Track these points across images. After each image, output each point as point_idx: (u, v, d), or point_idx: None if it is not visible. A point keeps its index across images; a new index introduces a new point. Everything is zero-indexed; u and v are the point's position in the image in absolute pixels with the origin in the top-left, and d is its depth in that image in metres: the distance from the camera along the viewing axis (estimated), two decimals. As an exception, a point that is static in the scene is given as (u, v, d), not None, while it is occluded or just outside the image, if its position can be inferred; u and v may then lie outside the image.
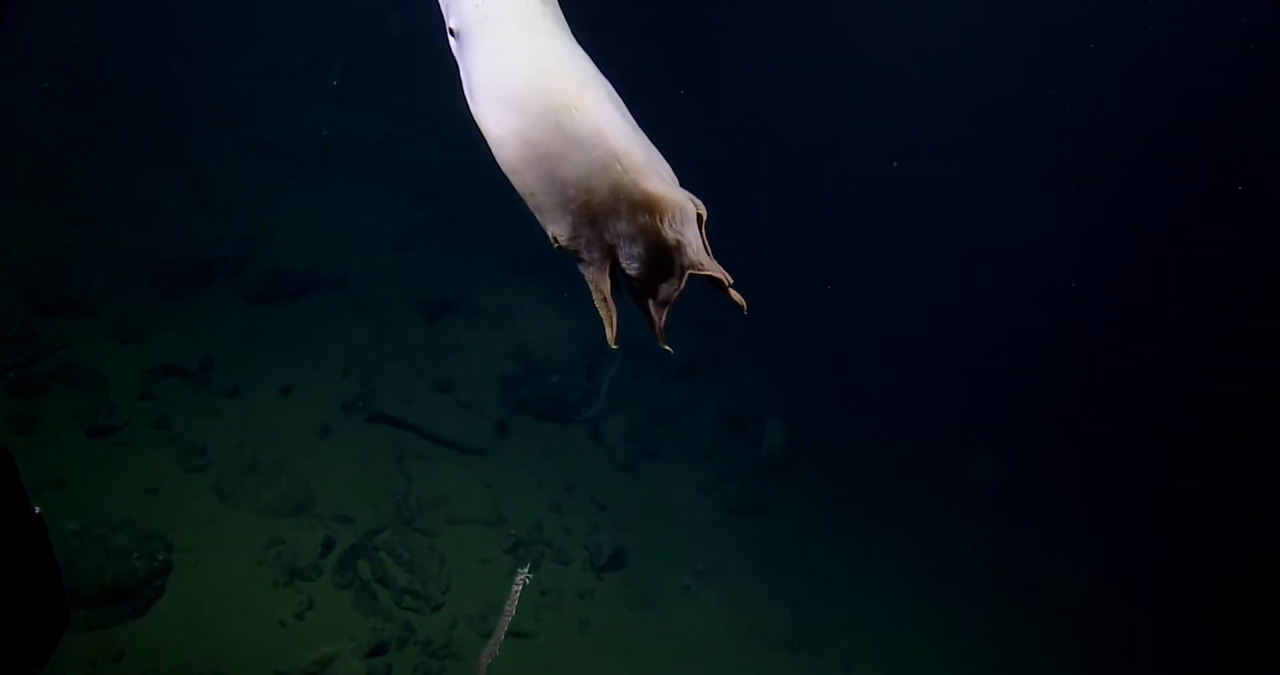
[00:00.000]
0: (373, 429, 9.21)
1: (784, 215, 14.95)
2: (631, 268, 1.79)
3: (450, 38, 2.06)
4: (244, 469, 7.82)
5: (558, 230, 1.83)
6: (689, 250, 1.73)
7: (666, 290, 1.78)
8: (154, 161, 9.78)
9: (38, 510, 1.68)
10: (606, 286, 1.86)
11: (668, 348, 1.87)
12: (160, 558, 6.59)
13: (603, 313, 1.87)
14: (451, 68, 2.11)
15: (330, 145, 10.93)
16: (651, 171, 1.75)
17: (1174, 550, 10.75)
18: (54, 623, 1.74)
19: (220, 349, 8.81)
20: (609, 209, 1.74)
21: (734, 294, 1.79)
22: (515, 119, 1.83)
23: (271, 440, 8.24)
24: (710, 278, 1.75)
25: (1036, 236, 15.12)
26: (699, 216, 1.78)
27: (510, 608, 3.37)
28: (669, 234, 1.72)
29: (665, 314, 1.84)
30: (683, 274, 1.74)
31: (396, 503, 8.52)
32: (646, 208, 1.71)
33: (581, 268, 1.85)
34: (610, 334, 1.90)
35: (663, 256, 1.72)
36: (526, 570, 3.45)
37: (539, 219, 1.86)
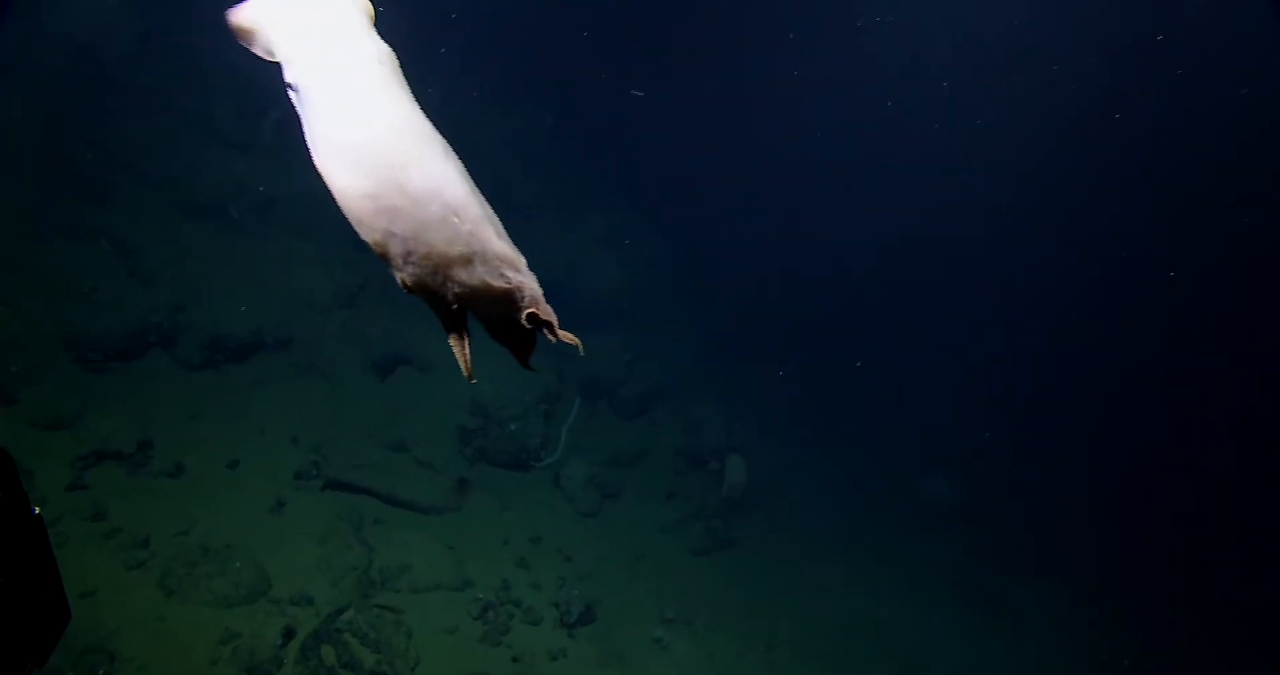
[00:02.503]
0: (329, 498, 8.56)
1: (739, 247, 14.80)
2: (479, 311, 1.94)
3: (290, 91, 2.07)
4: (191, 558, 7.11)
5: (405, 277, 1.93)
6: (526, 295, 1.88)
7: (515, 330, 1.92)
8: (70, 230, 8.90)
9: (37, 511, 1.68)
10: (457, 330, 2.00)
11: (531, 368, 2.03)
12: (101, 673, 5.87)
13: (456, 352, 2.02)
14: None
15: (267, 202, 10.19)
16: (488, 224, 1.89)
17: (1142, 566, 10.95)
18: (54, 622, 1.72)
19: (159, 425, 8.05)
20: (450, 259, 1.86)
21: (565, 334, 1.91)
22: (356, 175, 1.91)
23: (220, 522, 7.54)
24: (544, 321, 1.87)
25: (987, 259, 15.32)
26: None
27: None
28: (506, 281, 1.86)
29: (528, 349, 1.99)
30: (524, 315, 1.87)
31: (358, 576, 7.92)
32: (484, 258, 1.86)
33: (435, 311, 1.97)
34: (465, 370, 2.04)
35: (504, 301, 1.86)
36: None
37: (387, 267, 1.95)
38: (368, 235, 1.92)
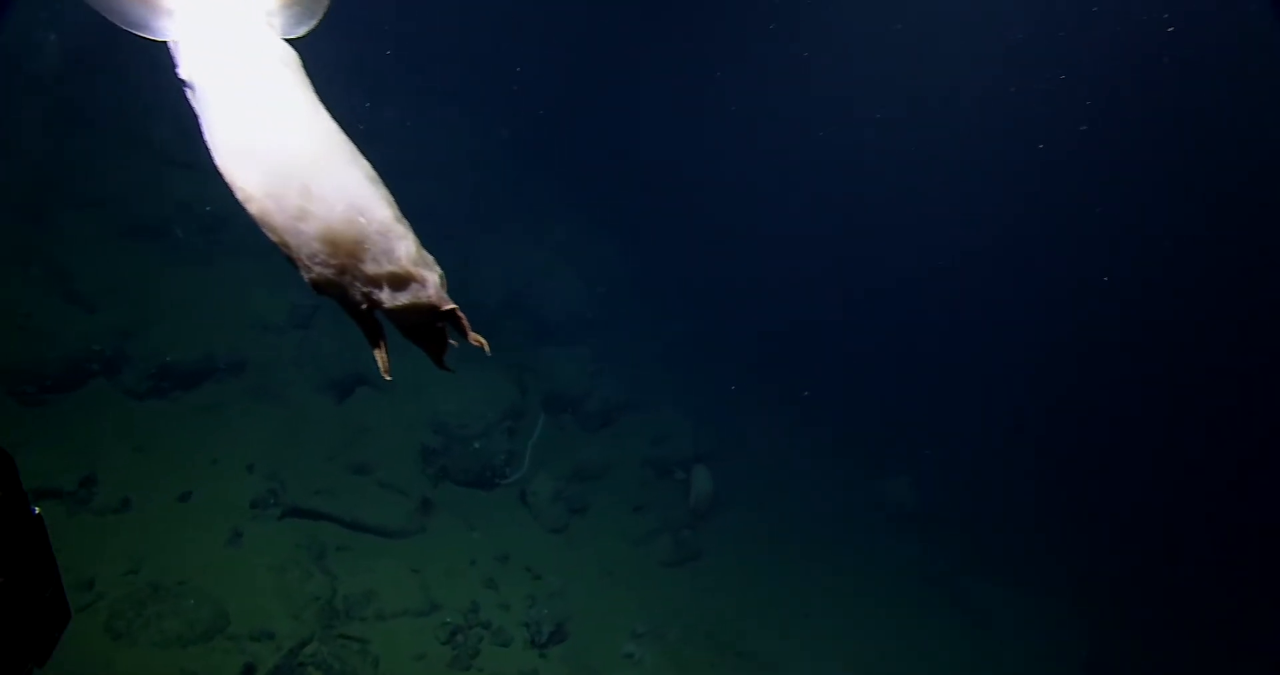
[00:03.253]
0: (288, 526, 8.20)
1: (699, 255, 14.75)
2: (387, 309, 1.91)
3: (185, 87, 2.00)
4: (140, 598, 6.71)
5: (313, 278, 1.91)
6: (433, 292, 1.89)
7: (425, 327, 1.93)
8: (1, 256, 8.36)
9: (37, 511, 1.65)
10: (370, 327, 1.97)
11: (446, 368, 2.02)
12: (45, 729, 5.45)
13: (375, 350, 2.00)
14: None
15: (214, 221, 9.74)
16: (397, 225, 1.89)
17: (1099, 560, 11.15)
18: (54, 622, 1.71)
19: (103, 459, 7.60)
20: (358, 260, 1.85)
21: (474, 336, 1.94)
22: (259, 175, 1.88)
23: (172, 558, 7.13)
24: (452, 318, 1.90)
25: (951, 265, 15.52)
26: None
27: None
28: (414, 278, 1.86)
29: (441, 349, 1.98)
30: (432, 313, 1.88)
31: (321, 606, 7.59)
32: (393, 259, 1.85)
33: (346, 310, 1.96)
34: (382, 367, 2.01)
35: (412, 299, 1.86)
36: None
37: (295, 268, 1.93)
38: (272, 235, 1.90)
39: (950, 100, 16.22)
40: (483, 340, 1.98)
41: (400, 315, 1.92)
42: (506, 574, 8.89)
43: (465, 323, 1.95)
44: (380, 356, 2.02)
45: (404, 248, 1.89)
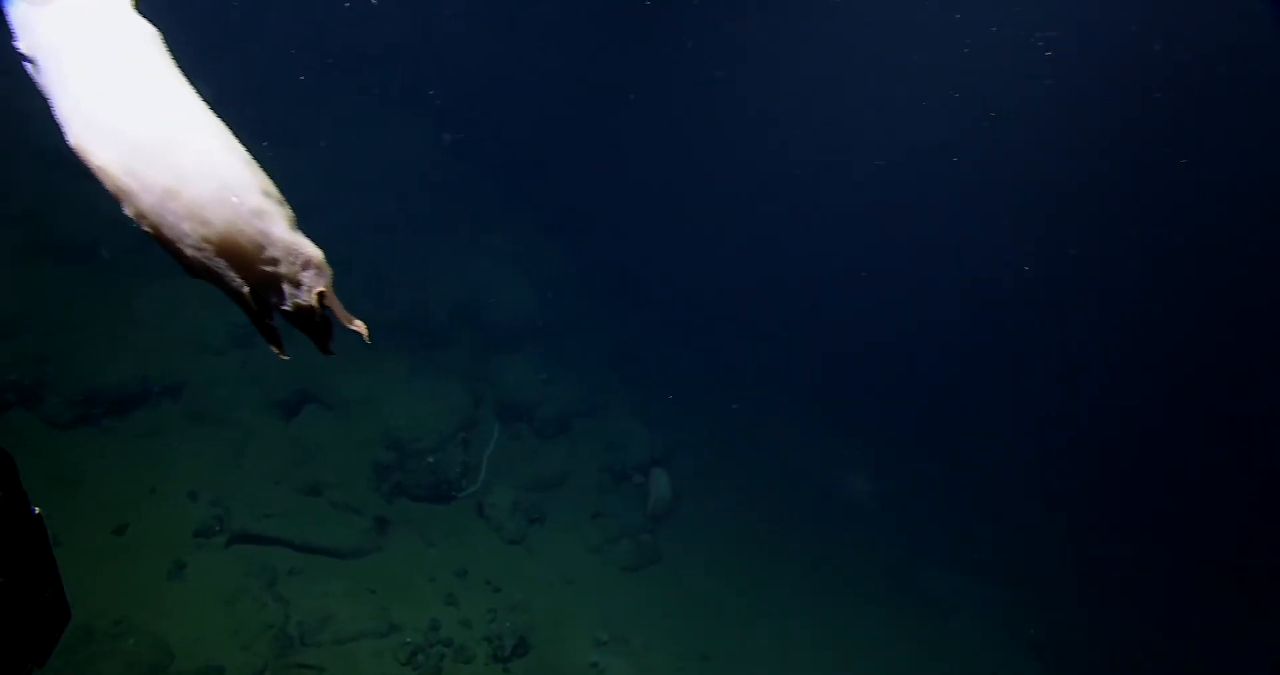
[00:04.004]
0: (236, 554, 7.77)
1: (648, 258, 14.64)
2: (267, 295, 1.81)
3: (25, 62, 1.88)
4: (72, 643, 6.24)
5: (184, 261, 1.82)
6: (310, 275, 1.79)
7: (306, 308, 1.82)
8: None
9: (37, 510, 1.64)
10: (255, 309, 1.85)
11: (331, 352, 1.92)
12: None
13: (262, 333, 1.91)
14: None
15: (145, 239, 9.14)
16: (274, 207, 1.78)
17: (1046, 547, 11.44)
18: (54, 622, 1.68)
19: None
20: (231, 241, 1.75)
21: (358, 324, 1.84)
22: (115, 150, 1.78)
23: (107, 596, 6.67)
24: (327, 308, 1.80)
25: (904, 262, 15.73)
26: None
27: None
28: (291, 261, 1.76)
29: (323, 334, 1.89)
30: (312, 292, 1.78)
31: (274, 635, 7.22)
32: (270, 241, 1.75)
33: (226, 293, 1.85)
34: (277, 350, 1.93)
35: (289, 278, 1.76)
36: None
37: (165, 250, 1.82)
38: (135, 214, 1.81)
39: (886, 110, 16.52)
40: (364, 328, 1.88)
41: (280, 300, 1.85)
42: (466, 589, 8.63)
43: (338, 307, 1.85)
44: (271, 339, 1.93)
45: (279, 229, 1.80)
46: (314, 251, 1.82)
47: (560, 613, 8.63)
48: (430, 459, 9.85)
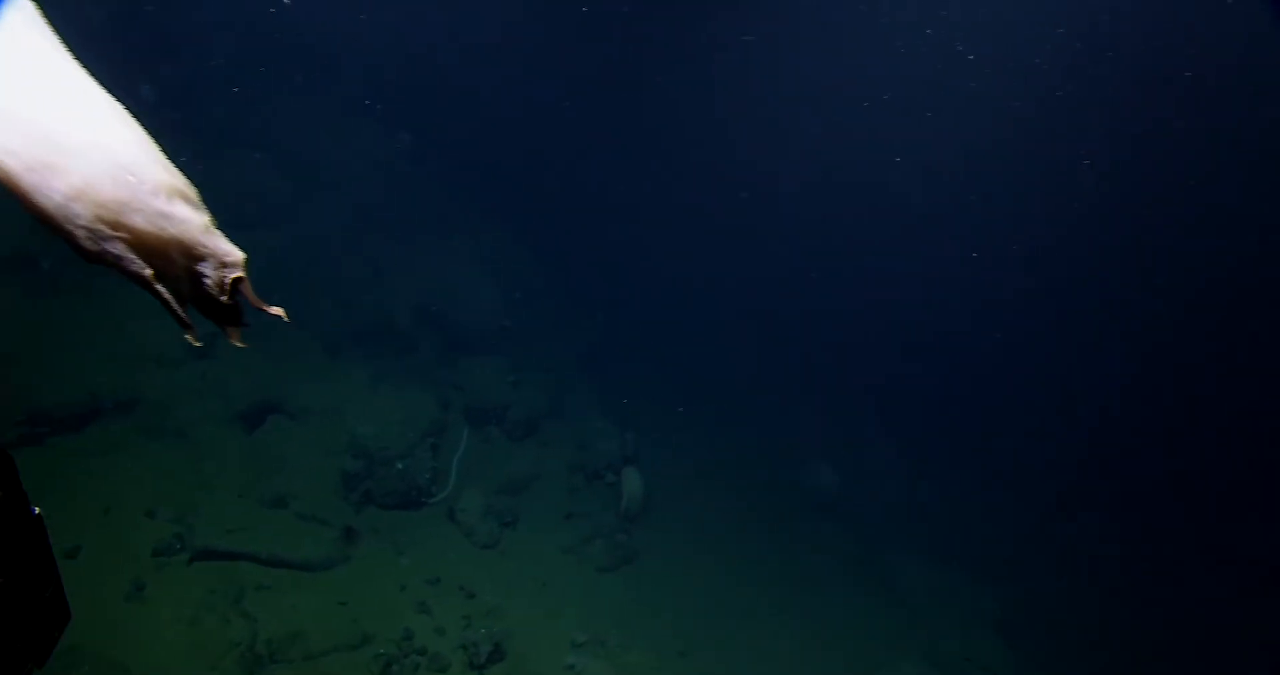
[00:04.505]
0: (199, 571, 7.51)
1: (613, 257, 14.50)
2: (171, 280, 1.73)
3: None
4: None
5: (75, 244, 1.70)
6: (218, 253, 1.71)
7: (214, 292, 1.75)
8: None
9: (37, 510, 1.58)
10: (160, 293, 1.76)
11: (240, 344, 1.85)
12: None
13: (172, 314, 1.80)
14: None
15: (91, 249, 8.75)
16: (171, 183, 1.70)
17: (1002, 533, 11.64)
18: (54, 622, 1.66)
19: (-25, 519, 6.67)
20: (128, 221, 1.66)
21: (275, 309, 1.76)
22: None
23: (64, 622, 6.34)
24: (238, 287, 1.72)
25: (854, 252, 15.76)
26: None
27: None
28: (194, 243, 1.69)
29: (232, 321, 1.80)
30: (220, 275, 1.72)
31: (241, 653, 6.99)
32: (170, 220, 1.68)
33: (128, 279, 1.77)
34: (190, 338, 1.81)
35: (196, 259, 1.69)
36: None
37: (58, 235, 1.71)
38: (18, 194, 1.67)
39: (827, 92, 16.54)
40: (281, 311, 1.80)
41: (183, 285, 1.76)
42: (439, 596, 8.47)
43: (250, 291, 1.75)
44: (181, 321, 1.81)
45: (183, 211, 1.70)
46: (220, 237, 1.73)
47: (536, 616, 8.52)
48: (399, 466, 9.64)
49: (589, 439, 11.09)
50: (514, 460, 10.64)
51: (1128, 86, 14.81)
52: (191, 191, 1.74)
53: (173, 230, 1.68)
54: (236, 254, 1.74)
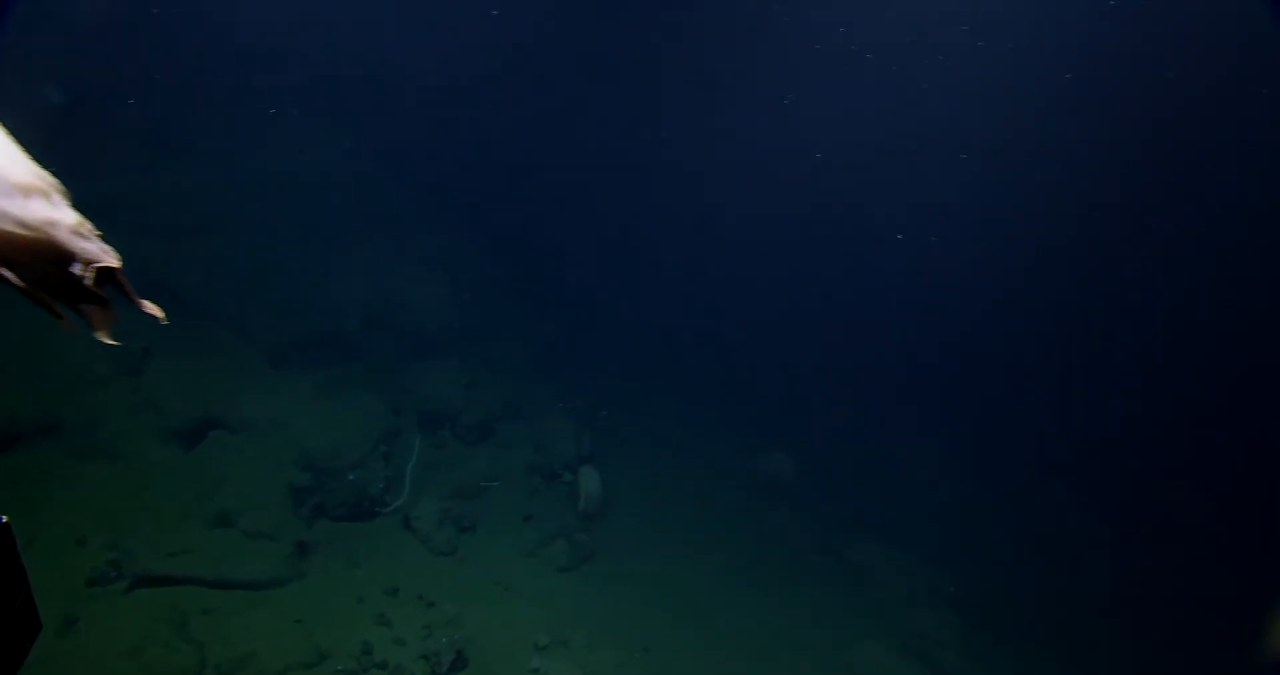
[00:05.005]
0: (139, 599, 7.11)
1: (564, 255, 14.26)
2: (30, 276, 1.64)
3: None
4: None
5: None
6: (84, 245, 1.64)
7: (80, 285, 1.65)
8: None
9: (5, 519, 1.49)
10: (26, 288, 1.65)
11: (111, 341, 1.74)
12: None
13: (40, 303, 1.71)
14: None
15: None
16: (28, 178, 1.63)
17: (957, 513, 11.84)
18: (24, 633, 1.56)
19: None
20: None
21: (148, 306, 1.70)
22: None
23: (-10, 663, 5.91)
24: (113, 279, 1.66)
25: (815, 252, 15.76)
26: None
27: None
28: (59, 235, 1.62)
29: (105, 320, 1.71)
30: (88, 267, 1.64)
31: (187, 682, 6.63)
32: (23, 216, 1.59)
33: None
34: (63, 327, 1.73)
35: (62, 252, 1.61)
36: None
37: None
38: None
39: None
40: (157, 309, 1.70)
41: (45, 281, 1.62)
42: (398, 607, 8.22)
43: (127, 285, 1.66)
44: (55, 313, 1.69)
45: (46, 210, 1.59)
46: (94, 242, 1.63)
47: (498, 621, 8.34)
48: (350, 476, 9.31)
49: (546, 439, 10.90)
50: (469, 464, 10.39)
51: (1127, 86, 14.90)
52: (59, 191, 1.63)
53: (35, 232, 1.56)
54: (107, 258, 1.63)
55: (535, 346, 12.69)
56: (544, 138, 15.76)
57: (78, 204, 1.77)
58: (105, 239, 1.76)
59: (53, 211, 1.60)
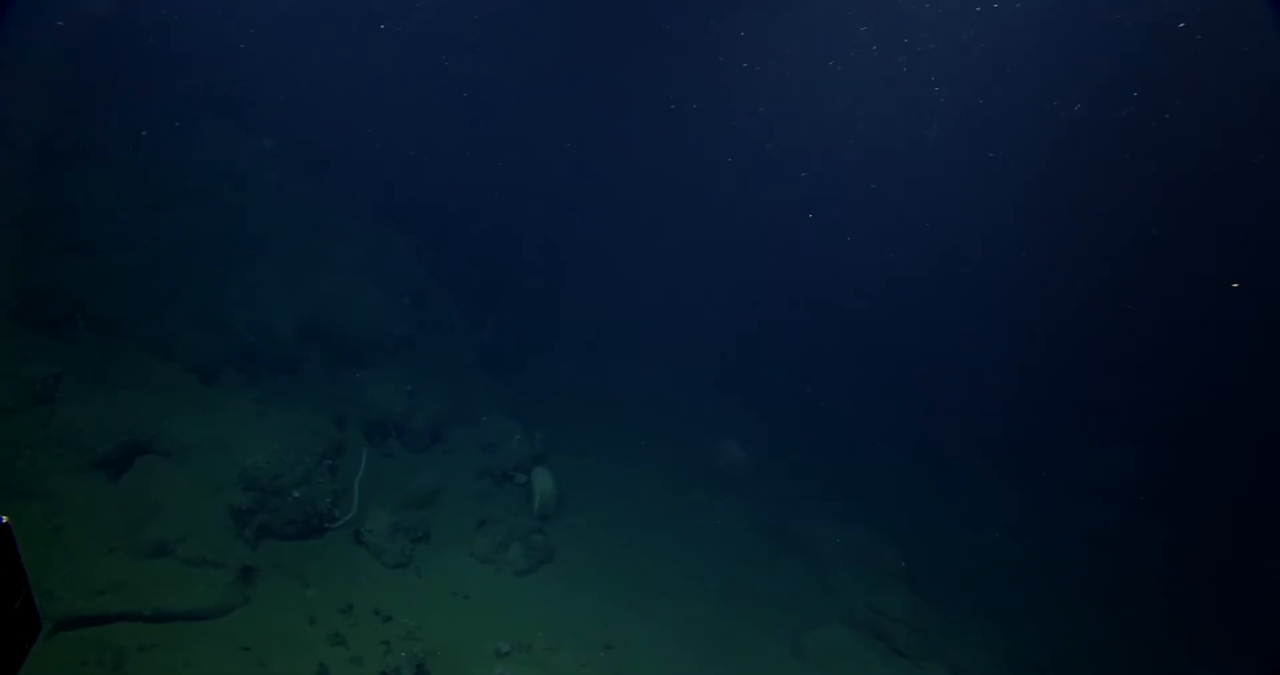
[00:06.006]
0: (65, 642, 6.56)
1: (507, 253, 13.86)
2: None
3: None
4: None
5: None
6: None
7: None
8: None
9: (5, 520, 1.51)
10: None
11: None
12: None
13: None
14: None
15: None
16: None
17: (906, 493, 12.08)
18: (24, 633, 1.58)
19: None
20: None
21: None
22: None
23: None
24: None
25: (771, 250, 15.74)
26: None
27: None
28: None
29: None
30: None
31: (127, 726, 6.17)
32: None
33: None
34: None
35: None
36: None
37: None
38: None
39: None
40: None
41: None
42: (354, 625, 7.85)
43: None
44: None
45: None
46: None
47: (457, 631, 8.07)
48: (295, 493, 8.83)
49: (495, 442, 10.61)
50: (419, 472, 10.02)
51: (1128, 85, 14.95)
52: None
53: None
54: None
55: (479, 349, 12.34)
56: (474, 139, 15.28)
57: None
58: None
59: None
